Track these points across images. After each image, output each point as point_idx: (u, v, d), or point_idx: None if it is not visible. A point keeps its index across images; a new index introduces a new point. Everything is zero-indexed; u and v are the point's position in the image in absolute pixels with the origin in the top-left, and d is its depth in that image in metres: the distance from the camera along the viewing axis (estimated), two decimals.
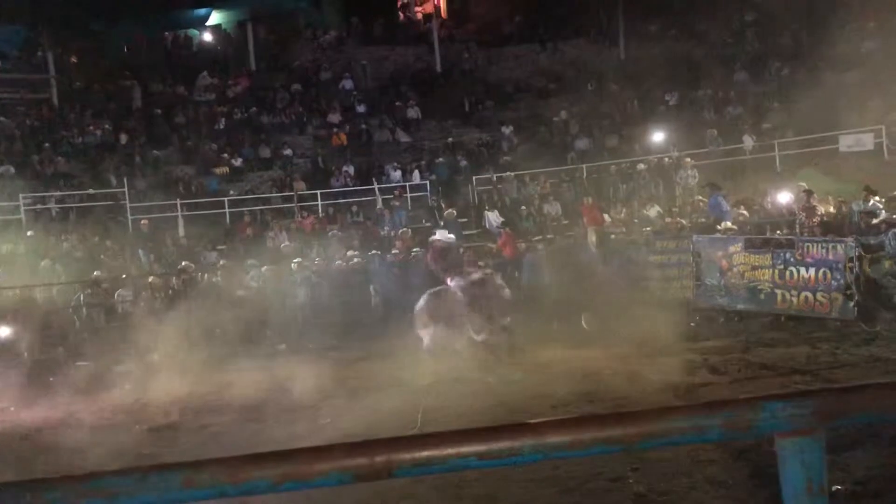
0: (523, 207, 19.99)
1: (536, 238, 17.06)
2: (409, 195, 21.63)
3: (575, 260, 15.56)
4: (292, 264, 16.02)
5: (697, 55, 24.47)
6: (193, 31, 30.29)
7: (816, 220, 14.47)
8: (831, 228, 13.87)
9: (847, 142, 19.82)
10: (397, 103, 25.67)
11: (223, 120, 24.66)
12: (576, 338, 11.40)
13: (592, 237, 16.31)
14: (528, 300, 13.82)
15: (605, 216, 18.11)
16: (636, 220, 17.75)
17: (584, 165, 21.76)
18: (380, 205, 20.72)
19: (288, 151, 23.51)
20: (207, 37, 30.23)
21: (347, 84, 26.55)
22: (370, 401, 8.78)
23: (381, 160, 23.16)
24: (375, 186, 21.66)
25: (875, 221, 11.84)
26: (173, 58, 28.05)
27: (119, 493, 1.38)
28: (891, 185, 15.09)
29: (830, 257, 12.12)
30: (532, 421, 1.41)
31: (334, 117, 25.01)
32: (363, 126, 24.66)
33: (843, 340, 9.81)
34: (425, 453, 1.39)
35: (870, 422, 1.48)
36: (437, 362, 9.91)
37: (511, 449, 1.40)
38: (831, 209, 15.21)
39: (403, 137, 24.67)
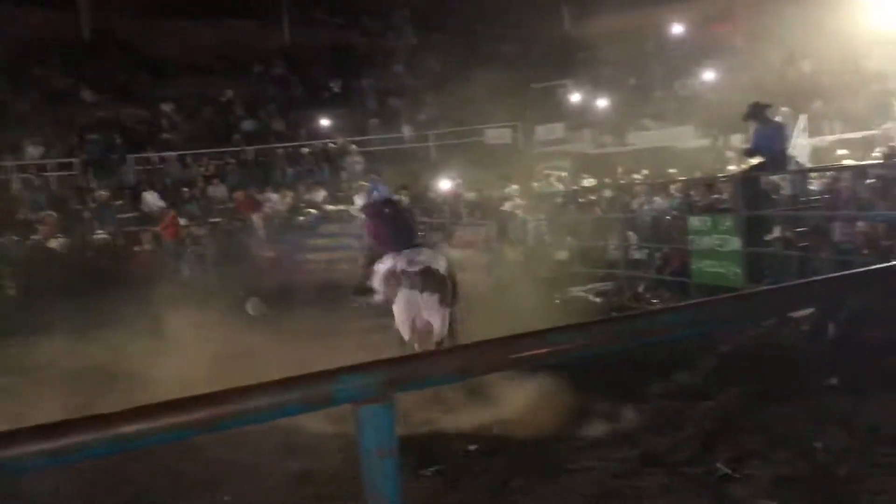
0: (186, 189, 19.13)
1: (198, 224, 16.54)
2: (52, 174, 19.53)
3: (241, 245, 15.35)
4: None
5: (360, 45, 25.30)
6: None
7: (464, 205, 15.89)
8: (475, 214, 15.33)
9: (491, 135, 22.04)
10: (36, 71, 22.86)
11: None
12: (242, 324, 11.17)
13: (260, 222, 16.29)
14: (191, 289, 13.29)
15: (267, 197, 18.13)
16: (302, 204, 17.97)
17: (250, 147, 21.42)
18: (17, 185, 18.42)
19: None
20: None
21: None
22: None
23: (17, 135, 20.50)
24: (11, 164, 19.17)
25: (506, 206, 13.34)
26: None
27: None
28: (525, 175, 17.05)
29: (474, 238, 13.40)
30: (106, 413, 1.35)
31: None
32: None
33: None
34: None
35: (433, 385, 1.65)
36: None
37: (80, 444, 1.32)
38: (474, 196, 16.77)
39: (48, 110, 22.10)
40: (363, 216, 8.31)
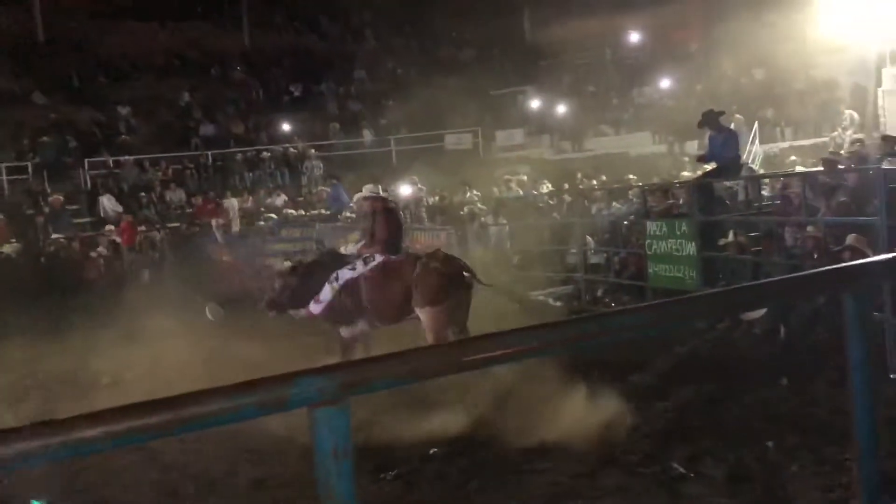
0: (143, 194, 18.86)
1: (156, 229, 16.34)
2: (4, 178, 19.12)
3: (200, 250, 15.19)
4: None
5: (320, 49, 25.21)
6: None
7: (423, 210, 15.92)
8: (435, 218, 15.36)
9: (451, 140, 22.13)
10: None
11: None
12: (200, 329, 11.04)
13: (219, 228, 16.15)
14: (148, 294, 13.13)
15: (226, 202, 17.94)
16: (262, 209, 17.84)
17: (209, 152, 21.18)
18: None
19: None
20: None
21: None
22: None
23: None
24: None
25: (466, 211, 13.41)
26: None
27: None
28: (485, 180, 17.13)
29: (436, 243, 13.41)
30: (61, 418, 1.35)
31: None
32: None
33: None
34: None
35: (387, 388, 1.69)
36: None
37: (37, 449, 1.32)
38: (435, 200, 16.80)
39: None
40: (368, 207, 7.65)
